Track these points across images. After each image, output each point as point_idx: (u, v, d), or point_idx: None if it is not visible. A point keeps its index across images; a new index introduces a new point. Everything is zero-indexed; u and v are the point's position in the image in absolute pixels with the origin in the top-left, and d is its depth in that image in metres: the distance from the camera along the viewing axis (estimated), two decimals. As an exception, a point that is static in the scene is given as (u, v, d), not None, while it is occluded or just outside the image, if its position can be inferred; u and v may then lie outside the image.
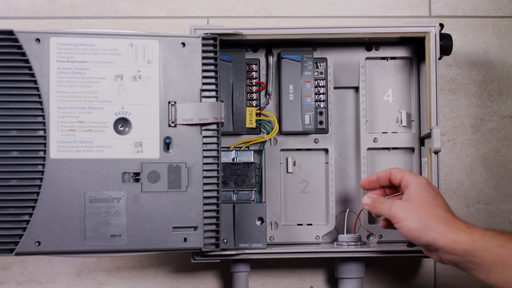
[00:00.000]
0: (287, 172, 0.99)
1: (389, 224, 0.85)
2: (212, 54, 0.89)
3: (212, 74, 0.89)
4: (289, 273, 1.05)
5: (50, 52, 0.85)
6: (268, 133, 0.97)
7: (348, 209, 0.98)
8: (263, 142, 0.97)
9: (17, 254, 0.83)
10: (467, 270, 0.79)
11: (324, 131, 0.98)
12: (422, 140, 0.98)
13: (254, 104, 0.97)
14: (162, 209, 0.86)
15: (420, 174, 0.98)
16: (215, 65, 0.89)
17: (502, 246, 0.76)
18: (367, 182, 0.89)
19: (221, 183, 0.89)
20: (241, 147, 0.97)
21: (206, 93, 0.88)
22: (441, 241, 0.78)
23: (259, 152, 0.98)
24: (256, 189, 0.95)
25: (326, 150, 0.98)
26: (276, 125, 0.97)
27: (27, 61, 0.84)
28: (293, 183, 0.99)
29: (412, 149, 0.99)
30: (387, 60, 0.99)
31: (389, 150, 0.99)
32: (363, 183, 0.89)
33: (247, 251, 0.92)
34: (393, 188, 0.88)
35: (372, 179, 0.88)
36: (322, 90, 0.98)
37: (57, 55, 0.85)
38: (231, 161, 0.95)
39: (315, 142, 0.98)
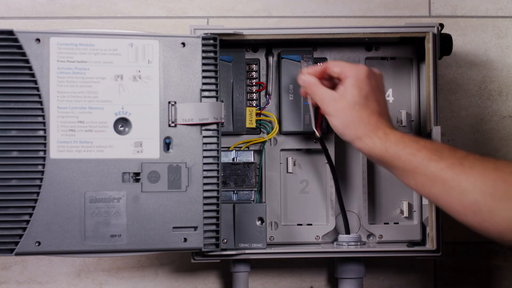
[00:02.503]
0: (287, 172, 0.99)
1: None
2: (212, 54, 0.89)
3: (212, 74, 0.89)
4: (289, 273, 1.05)
5: (50, 52, 0.85)
6: (268, 133, 0.97)
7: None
8: (263, 142, 0.97)
9: (17, 254, 0.83)
10: (387, 170, 0.83)
11: (324, 131, 0.98)
12: (422, 140, 0.98)
13: (254, 104, 0.97)
14: (162, 209, 0.86)
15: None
16: (215, 65, 0.89)
17: (413, 155, 0.79)
18: (309, 76, 0.89)
19: (221, 183, 0.89)
20: (241, 147, 0.97)
21: (206, 93, 0.88)
22: (358, 145, 0.83)
23: (259, 152, 0.98)
24: (256, 189, 0.95)
25: (326, 150, 0.98)
26: (276, 125, 0.97)
27: (27, 61, 0.84)
28: (293, 183, 0.99)
29: (412, 149, 0.99)
30: (387, 60, 0.99)
31: (389, 150, 0.99)
32: (302, 81, 0.89)
33: (247, 251, 0.92)
34: (332, 82, 0.89)
35: (309, 72, 0.89)
36: (322, 90, 0.98)
37: (57, 55, 0.85)
38: (231, 161, 0.95)
39: (315, 142, 0.98)
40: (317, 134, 0.93)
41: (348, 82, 0.85)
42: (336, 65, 0.87)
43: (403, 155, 0.79)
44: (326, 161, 0.97)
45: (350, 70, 0.85)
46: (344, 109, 0.84)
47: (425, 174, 0.78)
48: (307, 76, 0.88)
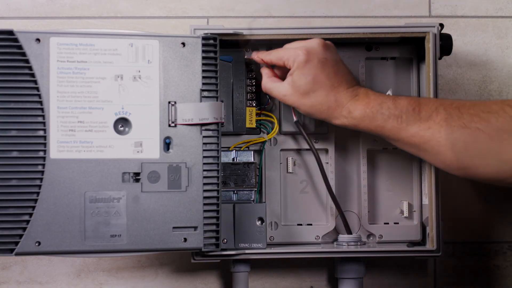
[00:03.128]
0: (287, 172, 0.99)
1: None
2: (212, 54, 0.89)
3: (212, 74, 0.89)
4: (289, 273, 1.05)
5: (50, 52, 0.85)
6: (268, 133, 0.97)
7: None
8: (263, 142, 0.97)
9: (17, 254, 0.83)
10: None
11: (324, 131, 0.98)
12: (422, 140, 0.98)
13: (254, 104, 0.97)
14: (162, 209, 0.86)
15: (420, 174, 0.98)
16: (215, 65, 0.89)
17: (381, 127, 0.84)
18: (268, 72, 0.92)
19: (221, 183, 0.89)
20: (241, 147, 0.97)
21: (206, 93, 0.88)
22: (330, 122, 0.88)
23: (259, 152, 0.98)
24: (256, 189, 0.95)
25: (326, 150, 0.98)
26: (276, 125, 0.97)
27: (27, 61, 0.84)
28: (293, 183, 0.99)
29: (412, 149, 0.99)
30: (387, 60, 0.99)
31: (389, 149, 0.99)
32: (256, 56, 0.92)
33: (247, 251, 0.92)
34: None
35: (266, 60, 0.91)
36: (322, 90, 0.98)
37: (57, 55, 0.85)
38: (231, 161, 0.95)
39: (315, 142, 0.98)
40: (294, 118, 0.94)
41: (292, 71, 0.87)
42: (274, 55, 0.89)
43: (373, 127, 0.84)
44: (326, 161, 0.98)
45: (289, 57, 0.87)
46: (301, 100, 0.87)
47: (398, 140, 0.83)
48: (264, 71, 0.92)
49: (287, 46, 0.90)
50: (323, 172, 0.94)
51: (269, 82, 0.90)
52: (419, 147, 0.82)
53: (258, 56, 0.92)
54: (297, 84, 0.86)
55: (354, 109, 0.85)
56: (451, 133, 0.78)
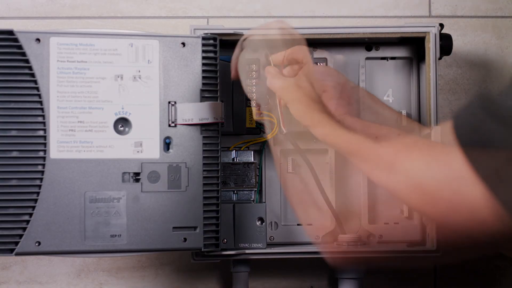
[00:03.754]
0: (287, 172, 0.99)
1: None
2: (212, 54, 0.89)
3: (212, 74, 0.89)
4: (289, 273, 1.05)
5: (50, 52, 0.85)
6: (268, 133, 0.97)
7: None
8: (263, 142, 0.97)
9: (17, 254, 0.83)
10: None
11: (324, 131, 0.98)
12: (422, 140, 0.98)
13: (254, 104, 0.97)
14: (162, 209, 0.86)
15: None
16: (215, 65, 0.89)
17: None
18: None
19: (221, 183, 0.89)
20: (241, 147, 0.97)
21: (206, 93, 0.88)
22: (313, 132, 0.83)
23: (259, 152, 0.98)
24: (256, 189, 0.95)
25: (326, 150, 0.98)
26: (276, 125, 0.97)
27: (27, 61, 0.84)
28: (293, 183, 0.99)
29: (412, 149, 0.99)
30: (387, 60, 0.99)
31: (389, 150, 0.99)
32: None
33: (247, 251, 0.92)
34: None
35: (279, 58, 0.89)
36: (322, 90, 0.98)
37: (57, 55, 0.85)
38: (231, 161, 0.95)
39: (315, 142, 0.98)
40: (283, 129, 0.93)
41: (305, 69, 0.85)
42: (300, 51, 0.87)
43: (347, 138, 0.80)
44: (326, 161, 0.98)
45: (310, 60, 0.86)
46: (298, 98, 0.84)
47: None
48: (270, 67, 0.89)
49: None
50: (315, 177, 0.94)
51: (275, 75, 0.88)
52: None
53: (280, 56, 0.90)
54: (304, 82, 0.85)
55: (347, 120, 0.84)
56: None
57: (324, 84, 0.89)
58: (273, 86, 0.87)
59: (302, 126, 0.85)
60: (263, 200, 0.97)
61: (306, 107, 0.84)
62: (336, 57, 0.99)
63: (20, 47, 0.84)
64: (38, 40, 0.84)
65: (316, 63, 0.96)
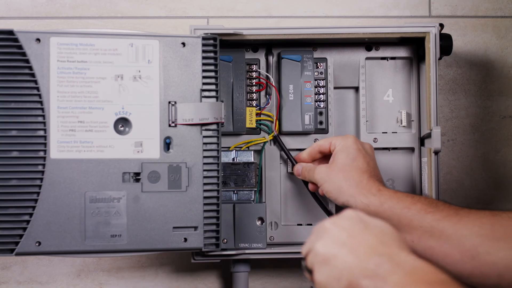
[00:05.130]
0: (287, 172, 0.99)
1: (318, 188, 0.90)
2: (212, 54, 0.89)
3: (212, 74, 0.89)
4: (289, 273, 1.05)
5: (50, 52, 0.85)
6: (269, 134, 0.97)
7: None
8: (263, 142, 0.97)
9: (17, 254, 0.83)
10: None
11: (324, 131, 0.98)
12: (422, 140, 0.98)
13: (254, 104, 0.97)
14: (162, 209, 0.86)
15: (420, 174, 0.98)
16: (215, 65, 0.89)
17: (408, 208, 0.79)
18: (302, 163, 0.93)
19: (221, 183, 0.89)
20: (241, 147, 0.97)
21: (206, 93, 0.88)
22: (353, 203, 0.83)
23: (259, 152, 0.98)
24: (256, 189, 0.95)
25: (326, 150, 0.98)
26: (277, 125, 0.97)
27: (27, 61, 0.84)
28: (293, 183, 0.99)
29: (412, 149, 0.99)
30: (387, 60, 0.99)
31: (389, 150, 0.99)
32: (297, 170, 0.93)
33: (247, 251, 0.92)
34: (328, 157, 0.91)
35: (302, 158, 0.93)
36: (322, 90, 0.98)
37: (57, 55, 0.85)
38: (231, 161, 0.95)
39: (315, 142, 0.98)
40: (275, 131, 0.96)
41: (337, 149, 0.88)
42: (325, 141, 0.90)
43: (398, 209, 0.80)
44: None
45: (338, 140, 0.89)
46: (335, 172, 0.86)
47: (421, 227, 0.78)
48: (297, 167, 0.93)
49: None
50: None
51: (311, 169, 0.90)
52: (441, 233, 0.78)
53: (306, 154, 0.93)
54: (337, 158, 0.87)
55: (383, 189, 0.83)
56: (480, 220, 0.76)
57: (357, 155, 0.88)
58: (312, 177, 0.89)
59: (338, 203, 0.86)
60: (263, 200, 0.97)
61: (340, 182, 0.85)
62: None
63: (20, 47, 0.84)
64: (38, 40, 0.84)
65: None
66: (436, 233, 0.77)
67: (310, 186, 0.92)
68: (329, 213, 0.95)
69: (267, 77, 0.97)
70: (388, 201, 0.81)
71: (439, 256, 0.77)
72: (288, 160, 0.97)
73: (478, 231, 0.74)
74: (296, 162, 0.94)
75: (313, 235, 0.65)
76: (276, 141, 0.97)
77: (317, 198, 0.95)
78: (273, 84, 0.97)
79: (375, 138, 0.98)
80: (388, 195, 0.81)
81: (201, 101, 0.88)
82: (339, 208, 0.91)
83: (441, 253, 0.77)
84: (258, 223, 0.93)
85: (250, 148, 0.97)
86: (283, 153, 0.98)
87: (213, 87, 0.89)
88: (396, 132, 0.99)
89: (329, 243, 0.63)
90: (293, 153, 0.99)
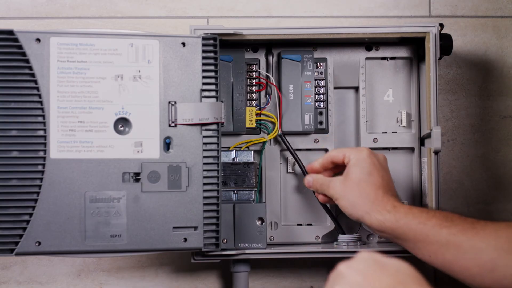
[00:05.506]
0: (287, 172, 0.99)
1: (329, 199, 0.90)
2: (212, 54, 0.89)
3: (212, 74, 0.89)
4: (289, 273, 1.05)
5: (50, 52, 0.85)
6: (269, 134, 0.97)
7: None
8: (263, 142, 0.97)
9: (17, 254, 0.83)
10: (398, 244, 0.84)
11: (324, 131, 0.98)
12: (422, 140, 0.98)
13: (254, 104, 0.97)
14: (162, 209, 0.86)
15: (420, 174, 0.98)
16: (215, 65, 0.89)
17: (424, 223, 0.80)
18: (313, 172, 0.92)
19: (221, 183, 0.89)
20: (241, 147, 0.97)
21: (206, 93, 0.88)
22: (368, 220, 0.83)
23: (259, 152, 0.98)
24: (256, 189, 0.95)
25: (326, 150, 0.98)
26: (277, 125, 0.97)
27: (27, 61, 0.84)
28: (293, 183, 0.99)
29: (412, 149, 0.99)
30: (387, 60, 0.99)
31: (389, 150, 0.99)
32: (308, 182, 0.92)
33: (247, 251, 0.92)
34: (339, 167, 0.90)
35: (315, 168, 0.91)
36: (322, 90, 0.98)
37: (57, 55, 0.85)
38: (231, 161, 0.95)
39: (315, 142, 0.98)
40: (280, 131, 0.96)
41: (351, 163, 0.86)
42: (338, 152, 0.89)
43: (414, 225, 0.80)
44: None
45: (352, 153, 0.87)
46: (350, 187, 0.85)
47: (437, 241, 0.78)
48: (308, 178, 0.91)
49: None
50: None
51: (323, 181, 0.89)
52: (458, 247, 0.78)
53: (317, 164, 0.91)
54: (352, 172, 0.85)
55: (399, 205, 0.82)
56: (497, 232, 0.76)
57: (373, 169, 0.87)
58: (325, 190, 0.89)
59: (354, 218, 0.85)
60: (263, 200, 0.97)
61: (356, 197, 0.84)
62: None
63: (20, 47, 0.84)
64: (38, 40, 0.84)
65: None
66: (452, 248, 0.77)
67: (320, 197, 0.91)
68: (339, 226, 0.95)
69: (267, 77, 0.97)
70: (404, 217, 0.81)
71: (457, 270, 0.78)
72: (293, 161, 0.97)
73: (495, 244, 0.74)
74: (307, 173, 0.93)
75: (329, 282, 0.63)
76: (282, 140, 0.96)
77: (327, 209, 0.95)
78: (274, 83, 0.97)
79: (375, 138, 0.98)
80: (403, 212, 0.81)
81: (201, 101, 0.88)
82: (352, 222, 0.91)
83: (459, 267, 0.77)
84: (258, 223, 0.93)
85: (250, 148, 0.97)
86: (283, 153, 0.99)
87: (213, 87, 0.89)
88: (396, 132, 0.99)
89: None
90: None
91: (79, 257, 1.00)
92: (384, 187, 0.85)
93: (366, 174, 0.85)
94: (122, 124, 0.86)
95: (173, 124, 0.87)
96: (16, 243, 0.83)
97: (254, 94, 0.98)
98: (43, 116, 0.84)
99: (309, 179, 0.91)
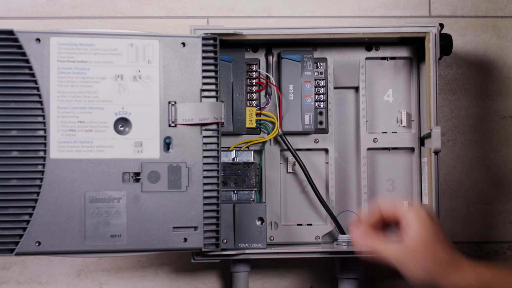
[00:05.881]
0: (287, 172, 0.99)
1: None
2: (212, 54, 0.89)
3: (212, 74, 0.89)
4: (289, 273, 1.05)
5: (50, 52, 0.85)
6: (268, 133, 0.97)
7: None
8: (263, 142, 0.97)
9: (17, 254, 0.83)
10: None
11: (324, 131, 0.98)
12: (422, 140, 0.98)
13: (254, 104, 0.97)
14: (162, 209, 0.86)
15: (420, 174, 0.98)
16: (215, 65, 0.89)
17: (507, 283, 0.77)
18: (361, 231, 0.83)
19: (221, 183, 0.89)
20: (241, 147, 0.97)
21: (206, 93, 0.88)
22: (447, 284, 0.78)
23: (259, 152, 0.98)
24: (256, 189, 0.95)
25: (326, 150, 0.98)
26: (277, 125, 0.97)
27: (27, 61, 0.84)
28: (293, 183, 0.99)
29: (412, 149, 0.99)
30: (387, 60, 0.99)
31: (389, 150, 0.99)
32: (355, 237, 0.83)
33: (247, 251, 0.92)
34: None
35: (366, 230, 0.83)
36: (322, 90, 0.98)
37: (57, 55, 0.85)
38: (231, 161, 0.95)
39: (315, 142, 0.98)
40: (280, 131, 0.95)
41: (410, 224, 0.79)
42: (389, 210, 0.82)
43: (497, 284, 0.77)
44: (326, 161, 0.98)
45: (409, 213, 0.80)
46: (419, 253, 0.79)
47: None
48: (364, 237, 0.82)
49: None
50: (309, 178, 0.95)
51: (379, 245, 0.81)
52: None
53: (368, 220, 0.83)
54: (419, 235, 0.79)
55: (474, 264, 0.78)
56: None
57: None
58: (379, 253, 0.81)
59: (428, 285, 0.80)
60: (263, 200, 0.97)
61: (429, 262, 0.78)
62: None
63: (20, 47, 0.84)
64: (38, 40, 0.84)
65: None
66: None
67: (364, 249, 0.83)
68: (339, 226, 0.95)
69: (267, 77, 0.97)
70: (493, 279, 0.77)
71: None
72: (293, 161, 0.97)
73: None
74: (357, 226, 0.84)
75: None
76: (282, 140, 0.96)
77: (328, 209, 0.95)
78: (274, 83, 0.97)
79: (375, 138, 0.98)
80: (485, 272, 0.78)
81: (201, 101, 0.88)
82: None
83: None
84: (258, 223, 0.93)
85: (250, 148, 0.97)
86: (283, 153, 0.99)
87: (213, 87, 0.89)
88: (396, 132, 0.99)
89: None
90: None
91: (79, 257, 0.99)
92: (449, 244, 0.80)
93: (434, 236, 0.79)
94: (122, 124, 0.86)
95: (173, 124, 0.87)
96: (16, 243, 0.83)
97: (254, 94, 0.98)
98: (43, 116, 0.84)
99: (356, 234, 0.82)
